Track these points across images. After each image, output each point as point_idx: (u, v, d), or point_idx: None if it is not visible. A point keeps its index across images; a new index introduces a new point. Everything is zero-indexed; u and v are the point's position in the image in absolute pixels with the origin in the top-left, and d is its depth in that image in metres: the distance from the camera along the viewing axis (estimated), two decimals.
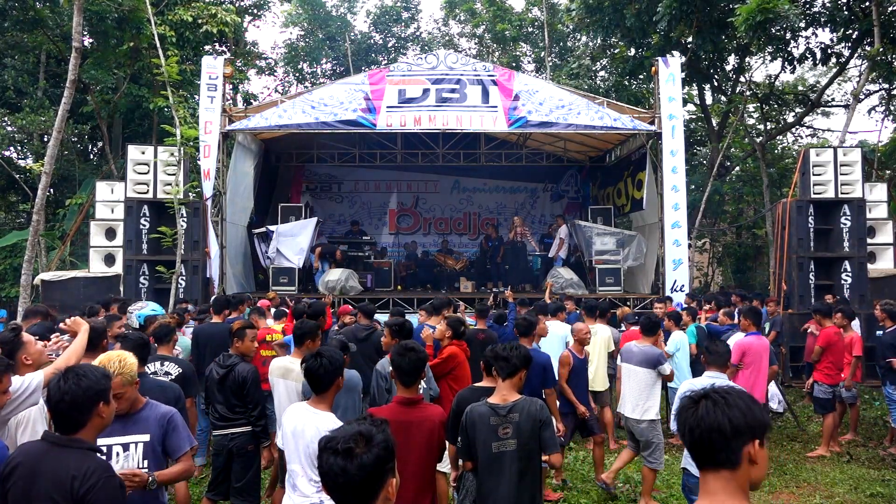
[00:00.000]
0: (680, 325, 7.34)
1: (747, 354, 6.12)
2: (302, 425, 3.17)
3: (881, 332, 7.07)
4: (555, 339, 6.62)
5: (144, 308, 5.59)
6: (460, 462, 3.61)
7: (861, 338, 7.39)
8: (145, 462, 3.01)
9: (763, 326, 8.19)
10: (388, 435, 1.79)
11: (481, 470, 3.30)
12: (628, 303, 11.05)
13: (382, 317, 7.84)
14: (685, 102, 16.99)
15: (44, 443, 2.42)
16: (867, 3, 13.23)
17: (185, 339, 6.49)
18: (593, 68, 19.05)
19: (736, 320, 7.73)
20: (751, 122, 20.21)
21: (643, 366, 5.47)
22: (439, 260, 15.24)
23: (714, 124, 18.04)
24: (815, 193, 10.57)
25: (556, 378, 5.29)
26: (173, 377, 4.71)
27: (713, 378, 4.35)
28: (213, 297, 7.79)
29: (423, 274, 15.27)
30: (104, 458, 2.82)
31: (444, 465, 3.90)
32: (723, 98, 18.49)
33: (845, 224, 10.40)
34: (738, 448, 1.59)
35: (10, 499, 2.31)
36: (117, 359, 3.04)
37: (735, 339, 6.33)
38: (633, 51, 16.56)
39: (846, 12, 13.77)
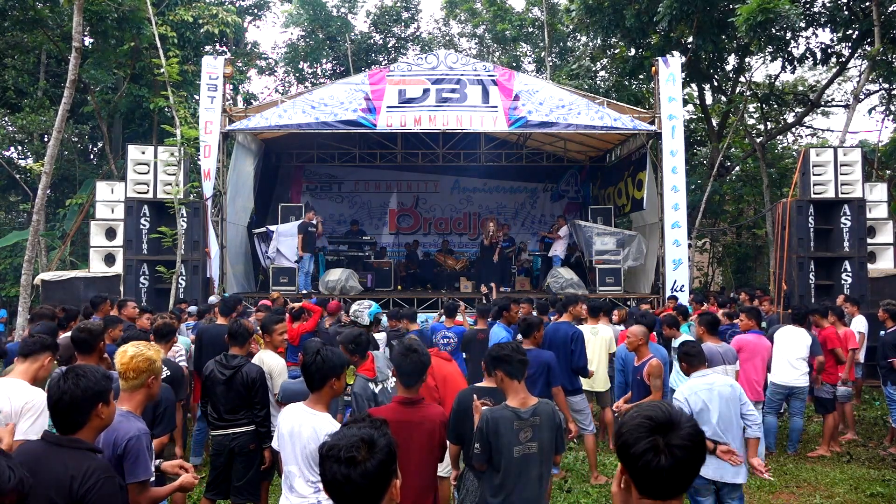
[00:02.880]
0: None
1: (742, 351, 6.14)
2: (298, 426, 3.15)
3: (883, 332, 7.07)
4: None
5: (372, 306, 5.76)
6: (461, 462, 3.60)
7: (853, 332, 7.40)
8: None
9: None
10: (390, 438, 1.78)
11: (502, 474, 3.25)
12: (629, 302, 11.05)
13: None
14: (685, 102, 16.99)
15: (43, 443, 2.42)
16: (867, 3, 13.23)
17: (184, 338, 6.50)
18: (593, 68, 19.04)
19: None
20: (751, 122, 20.21)
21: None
22: (439, 260, 15.25)
23: (714, 124, 18.04)
24: (815, 193, 10.57)
25: (560, 376, 5.27)
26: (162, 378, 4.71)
27: (703, 377, 4.31)
28: (220, 299, 7.77)
29: (423, 274, 15.26)
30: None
31: (445, 470, 3.89)
32: (723, 98, 18.48)
33: (845, 224, 10.40)
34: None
35: None
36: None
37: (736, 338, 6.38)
38: (633, 51, 16.55)
39: (846, 12, 13.77)
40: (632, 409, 1.64)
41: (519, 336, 6.99)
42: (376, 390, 4.31)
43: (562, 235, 13.18)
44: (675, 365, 5.52)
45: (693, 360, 4.37)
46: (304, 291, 11.43)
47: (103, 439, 2.74)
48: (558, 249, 13.16)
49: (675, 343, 6.54)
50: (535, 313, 7.37)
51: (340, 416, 5.86)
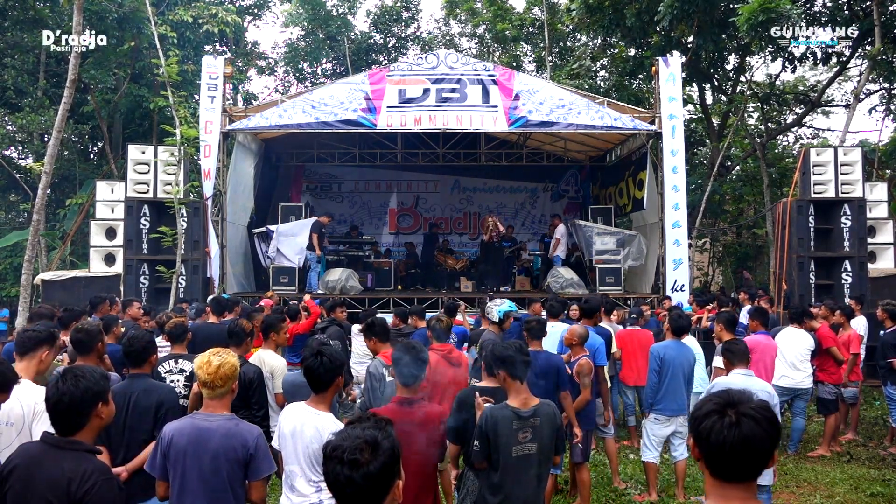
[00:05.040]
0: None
1: (754, 352, 6.13)
2: (301, 426, 3.15)
3: (883, 332, 7.07)
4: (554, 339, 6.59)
5: (503, 305, 5.86)
6: (461, 461, 3.60)
7: (857, 336, 7.39)
8: None
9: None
10: (394, 439, 1.79)
11: (500, 474, 3.26)
12: (629, 302, 11.04)
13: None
14: (685, 102, 16.98)
15: (42, 444, 2.41)
16: (868, 3, 13.23)
17: None
18: (593, 68, 19.04)
19: (743, 319, 7.74)
20: (751, 122, 20.21)
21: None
22: (439, 260, 15.22)
23: (714, 124, 18.03)
24: (815, 193, 10.57)
25: (568, 380, 5.25)
26: (188, 374, 4.71)
27: (745, 375, 4.37)
28: (210, 298, 7.77)
29: (424, 274, 15.25)
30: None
31: (445, 464, 3.88)
32: (723, 98, 18.48)
33: (845, 224, 10.40)
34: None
35: (8, 500, 2.30)
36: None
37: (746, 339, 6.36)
38: (633, 50, 16.55)
39: (847, 12, 13.76)
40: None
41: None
42: (388, 378, 4.35)
43: (559, 237, 13.12)
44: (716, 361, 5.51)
45: (734, 357, 4.44)
46: (318, 291, 11.44)
47: (224, 444, 2.87)
48: (558, 250, 13.12)
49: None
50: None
51: (346, 419, 5.85)
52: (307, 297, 8.85)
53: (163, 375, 4.40)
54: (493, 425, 3.22)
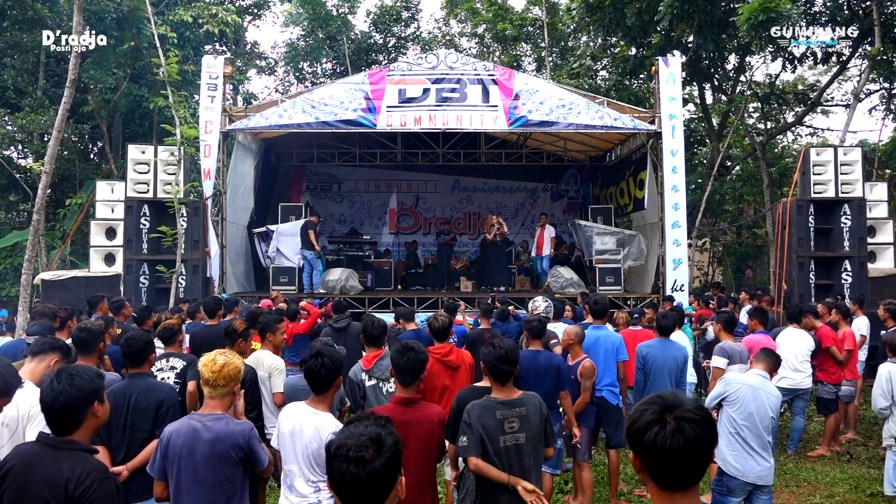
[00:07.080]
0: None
1: (753, 352, 6.13)
2: (300, 425, 3.15)
3: (884, 332, 7.06)
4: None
5: (550, 303, 6.06)
6: (460, 461, 3.59)
7: (853, 333, 7.39)
8: None
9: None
10: (396, 436, 1.80)
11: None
12: (629, 302, 11.04)
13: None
14: (686, 102, 16.99)
15: (39, 444, 2.40)
16: (868, 3, 13.23)
17: None
18: (594, 68, 19.04)
19: (743, 319, 7.75)
20: (751, 121, 20.20)
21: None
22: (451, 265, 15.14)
23: (714, 124, 18.04)
24: (815, 193, 10.56)
25: (570, 381, 5.24)
26: (178, 371, 4.70)
27: (762, 376, 4.44)
28: (203, 300, 7.71)
29: (423, 273, 15.24)
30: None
31: (449, 475, 3.88)
32: (723, 97, 18.48)
33: (845, 223, 10.40)
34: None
35: (5, 501, 2.30)
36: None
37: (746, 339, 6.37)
38: (633, 50, 16.55)
39: (847, 12, 13.76)
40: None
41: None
42: (368, 382, 4.33)
43: (553, 236, 13.00)
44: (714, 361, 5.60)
45: (766, 356, 4.54)
46: (319, 291, 11.42)
47: (216, 445, 2.90)
48: (544, 250, 12.93)
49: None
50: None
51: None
52: (304, 301, 8.82)
53: (154, 373, 4.41)
54: (478, 415, 3.25)
